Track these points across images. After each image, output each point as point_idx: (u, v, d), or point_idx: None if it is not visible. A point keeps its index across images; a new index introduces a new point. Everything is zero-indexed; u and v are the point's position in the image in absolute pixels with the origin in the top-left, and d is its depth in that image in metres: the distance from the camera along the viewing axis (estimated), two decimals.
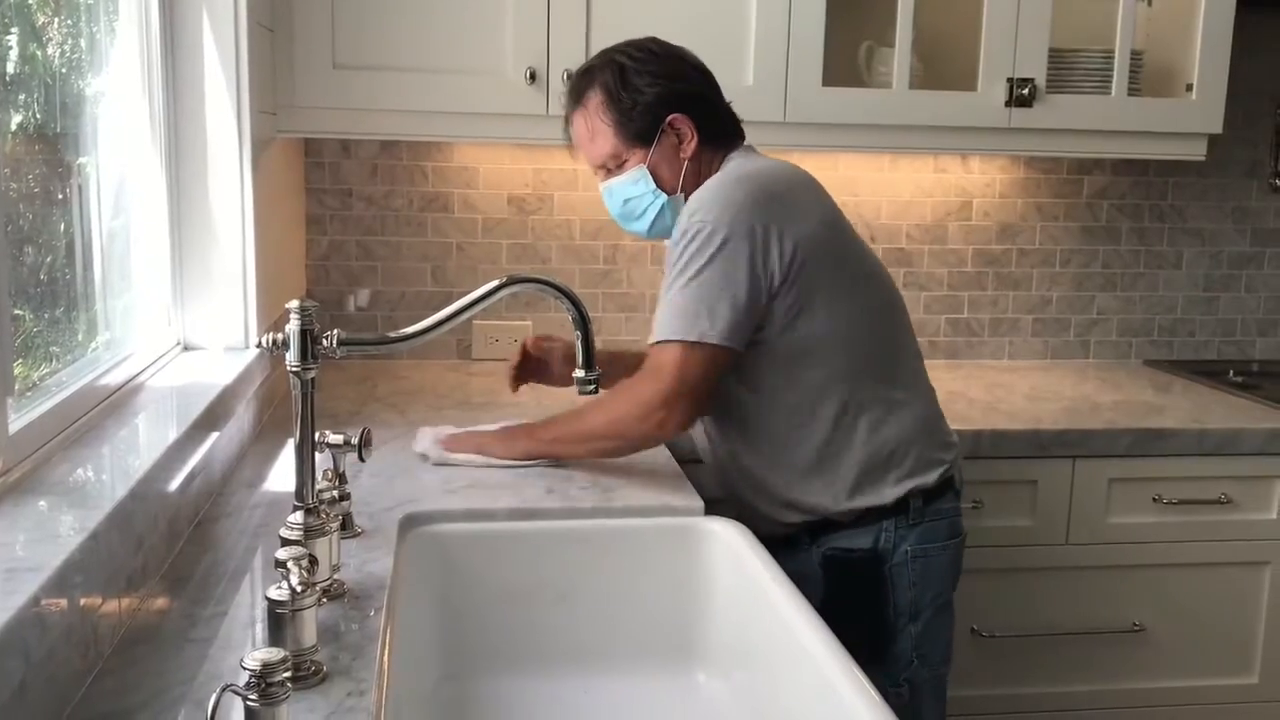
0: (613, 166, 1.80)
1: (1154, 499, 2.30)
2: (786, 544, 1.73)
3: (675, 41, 2.10)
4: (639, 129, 1.76)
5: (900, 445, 1.74)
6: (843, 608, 1.66)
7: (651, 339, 1.72)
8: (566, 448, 1.82)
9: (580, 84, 1.81)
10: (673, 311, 1.67)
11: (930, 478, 1.75)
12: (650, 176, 1.78)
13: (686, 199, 1.76)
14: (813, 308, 1.69)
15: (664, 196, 1.79)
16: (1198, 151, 2.54)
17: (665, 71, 1.77)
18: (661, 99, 1.75)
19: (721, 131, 1.81)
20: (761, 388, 1.74)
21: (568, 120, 1.86)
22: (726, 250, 1.64)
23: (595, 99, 1.78)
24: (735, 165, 1.77)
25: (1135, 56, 2.48)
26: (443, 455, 1.83)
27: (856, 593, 1.73)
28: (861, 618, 1.71)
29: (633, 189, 1.79)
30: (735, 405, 1.77)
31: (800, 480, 1.74)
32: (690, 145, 1.77)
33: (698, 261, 1.65)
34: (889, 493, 1.72)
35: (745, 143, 1.86)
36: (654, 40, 1.82)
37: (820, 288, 1.69)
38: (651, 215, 1.81)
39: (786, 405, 1.73)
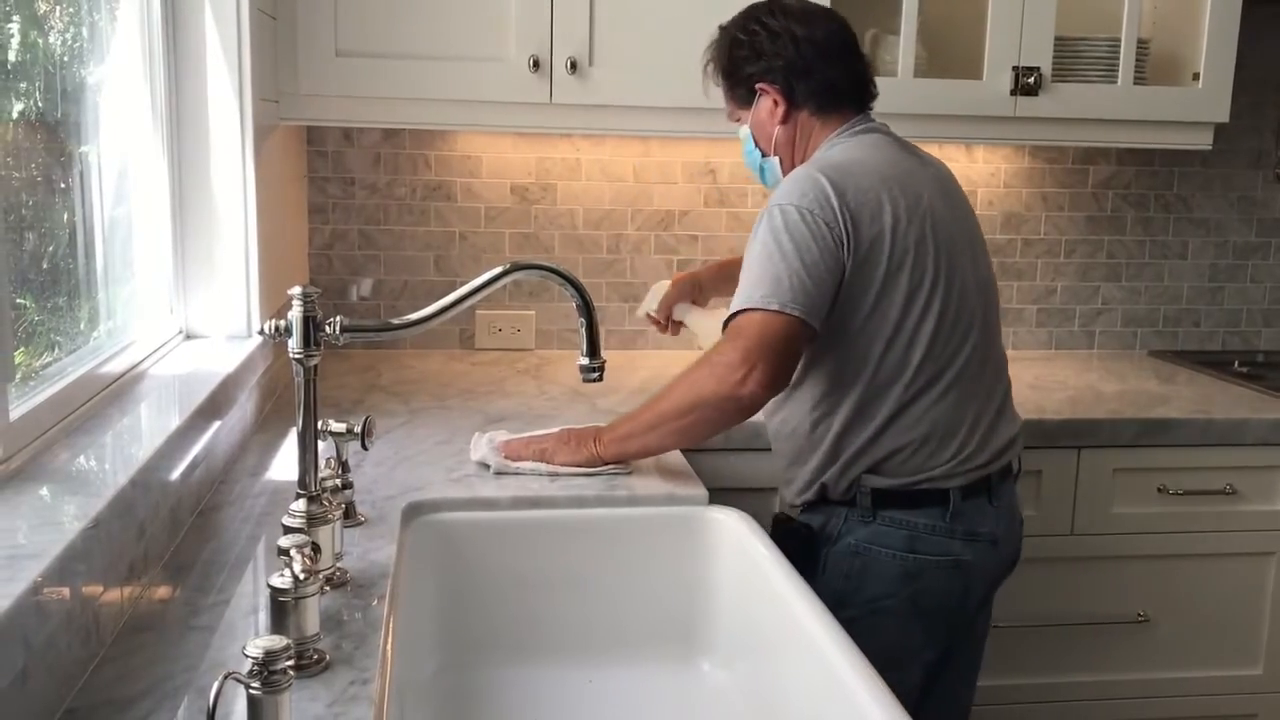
0: (733, 121, 1.95)
1: (1159, 489, 2.30)
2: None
3: (680, 30, 2.09)
4: (740, 95, 1.88)
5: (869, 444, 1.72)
6: None
7: (729, 312, 1.71)
8: (638, 442, 1.73)
9: (711, 49, 1.92)
10: (750, 284, 1.67)
11: (885, 481, 1.72)
12: (751, 138, 1.89)
13: (783, 163, 1.86)
14: (863, 302, 1.68)
15: (760, 156, 1.89)
16: (1204, 141, 2.52)
17: (766, 47, 1.82)
18: (759, 70, 1.83)
19: (822, 102, 1.82)
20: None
21: None
22: (794, 230, 1.66)
23: (717, 63, 1.91)
24: (822, 152, 1.80)
25: (1141, 45, 2.46)
26: (504, 464, 1.75)
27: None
28: None
29: (745, 145, 1.92)
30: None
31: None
32: (779, 112, 1.83)
33: (771, 240, 1.67)
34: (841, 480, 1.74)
35: (864, 114, 1.86)
36: (772, 12, 1.84)
37: (872, 284, 1.68)
38: (758, 171, 1.92)
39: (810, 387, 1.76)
